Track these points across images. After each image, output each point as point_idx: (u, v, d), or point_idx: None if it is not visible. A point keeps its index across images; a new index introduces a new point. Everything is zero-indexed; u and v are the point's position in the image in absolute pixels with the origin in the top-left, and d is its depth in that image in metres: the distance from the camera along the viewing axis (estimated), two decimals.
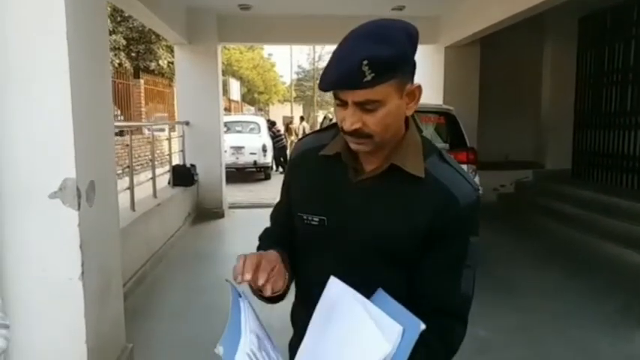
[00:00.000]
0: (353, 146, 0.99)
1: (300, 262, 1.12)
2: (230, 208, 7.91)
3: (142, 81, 14.04)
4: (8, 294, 2.16)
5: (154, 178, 5.66)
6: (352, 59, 0.87)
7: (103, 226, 2.61)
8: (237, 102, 24.62)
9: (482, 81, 7.51)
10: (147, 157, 9.32)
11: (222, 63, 8.47)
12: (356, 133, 0.95)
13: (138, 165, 8.94)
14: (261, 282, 0.91)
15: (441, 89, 7.36)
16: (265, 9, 6.87)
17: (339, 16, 6.30)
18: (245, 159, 12.15)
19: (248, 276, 0.90)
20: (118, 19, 13.98)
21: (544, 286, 4.38)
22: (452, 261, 1.00)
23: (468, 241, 1.00)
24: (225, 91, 19.48)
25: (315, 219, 1.06)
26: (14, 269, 2.22)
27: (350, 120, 0.94)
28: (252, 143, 12.32)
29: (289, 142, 15.81)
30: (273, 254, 1.00)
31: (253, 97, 30.99)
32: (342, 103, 0.95)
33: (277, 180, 11.09)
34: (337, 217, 1.04)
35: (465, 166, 4.73)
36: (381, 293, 0.94)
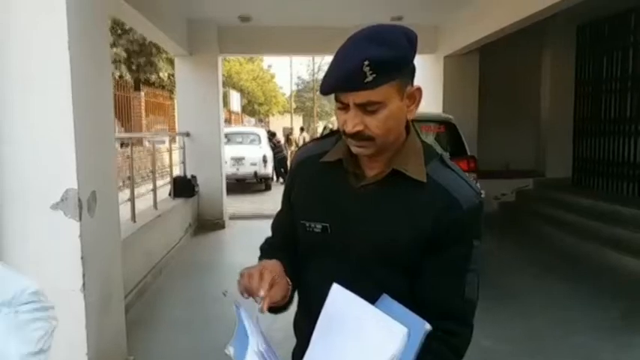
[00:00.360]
0: (354, 149, 0.99)
1: (302, 269, 1.11)
2: (231, 219, 7.90)
3: (142, 93, 14.11)
4: None
5: (154, 190, 5.66)
6: (353, 60, 0.88)
7: (104, 237, 2.61)
8: (237, 113, 24.71)
9: (481, 90, 7.54)
10: (147, 169, 9.33)
11: (223, 75, 8.51)
12: (358, 136, 0.95)
13: (139, 177, 8.95)
14: (262, 293, 0.92)
15: (440, 98, 7.39)
16: (265, 20, 6.93)
17: (338, 27, 6.33)
18: (245, 170, 12.16)
19: (259, 293, 0.92)
20: (119, 32, 14.09)
21: (547, 293, 4.36)
22: (455, 265, 1.00)
23: (471, 245, 1.00)
24: (226, 103, 19.56)
25: (317, 226, 1.05)
26: None
27: (352, 122, 0.94)
28: (253, 154, 12.33)
29: (289, 152, 15.83)
30: (274, 264, 1.00)
31: (253, 108, 31.10)
32: (343, 106, 0.95)
33: (278, 191, 11.08)
34: (340, 223, 1.03)
35: None
36: (385, 298, 0.94)
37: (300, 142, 17.05)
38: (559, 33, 7.80)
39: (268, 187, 12.80)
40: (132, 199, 4.64)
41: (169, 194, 6.61)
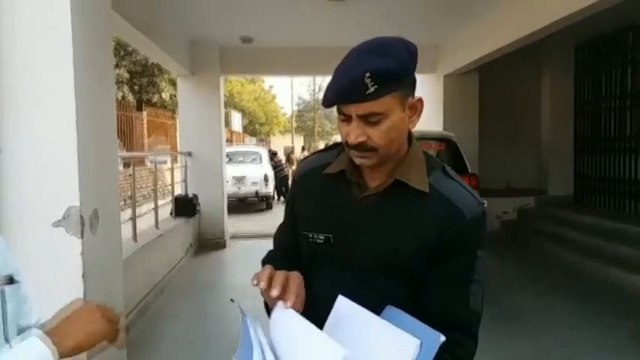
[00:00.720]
0: (357, 160, 0.99)
1: (306, 281, 1.11)
2: (232, 238, 7.88)
3: (144, 113, 14.22)
4: None
5: (156, 209, 5.66)
6: (355, 72, 0.89)
7: (105, 255, 2.60)
8: (238, 133, 24.85)
9: (481, 108, 7.59)
10: (149, 189, 9.34)
11: (224, 95, 8.59)
12: (361, 147, 0.96)
13: (140, 197, 8.95)
14: (290, 303, 0.91)
15: (440, 117, 7.44)
16: (266, 42, 7.02)
17: (338, 47, 6.40)
18: (247, 189, 12.15)
19: (276, 292, 0.90)
20: (122, 53, 14.27)
21: (551, 312, 4.31)
22: (460, 276, 0.99)
23: (475, 255, 1.00)
24: (227, 123, 19.68)
25: (320, 237, 1.05)
26: None
27: (354, 133, 0.94)
28: (254, 173, 12.34)
29: (290, 171, 15.87)
30: (298, 274, 0.98)
31: (254, 128, 31.28)
32: (345, 118, 0.96)
33: (279, 210, 11.06)
34: (343, 234, 1.03)
35: None
36: (391, 309, 0.93)
37: None
38: (557, 52, 7.90)
39: (269, 207, 12.77)
40: (133, 219, 4.64)
41: (170, 213, 6.61)
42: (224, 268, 6.59)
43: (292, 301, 0.91)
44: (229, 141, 19.33)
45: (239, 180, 12.02)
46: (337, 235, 1.04)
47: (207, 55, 7.15)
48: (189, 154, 7.25)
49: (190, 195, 7.07)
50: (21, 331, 0.96)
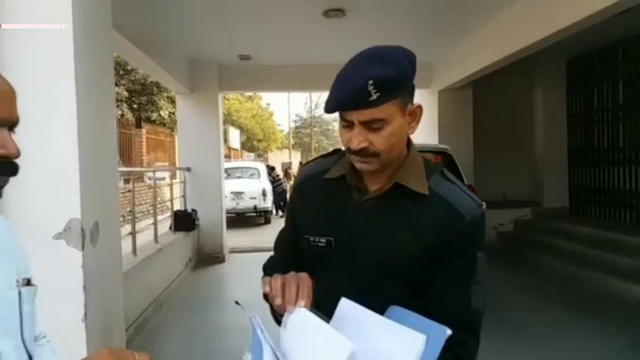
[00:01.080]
0: (359, 166, 1.02)
1: None
2: (231, 252, 7.89)
3: (143, 130, 14.29)
4: None
5: (155, 224, 5.70)
6: (358, 80, 0.92)
7: (106, 268, 2.62)
8: (236, 149, 24.93)
9: (476, 122, 7.67)
10: (148, 204, 9.37)
11: (223, 112, 8.68)
12: (363, 152, 0.98)
13: (139, 213, 8.97)
14: (303, 304, 0.91)
15: (435, 131, 7.52)
16: (264, 59, 7.13)
17: (335, 64, 6.49)
18: (245, 204, 12.18)
19: (279, 300, 0.91)
20: (121, 72, 14.39)
21: (552, 324, 4.31)
22: (460, 277, 1.01)
23: (475, 256, 1.02)
24: (226, 140, 19.75)
25: (321, 240, 1.07)
26: None
27: (357, 139, 0.97)
28: (252, 188, 12.38)
29: (288, 186, 15.90)
30: (307, 276, 0.97)
31: (252, 144, 31.38)
32: (347, 124, 0.99)
33: (278, 224, 11.06)
34: (344, 237, 1.05)
35: None
36: (395, 309, 0.94)
37: None
38: (549, 67, 8.01)
39: (268, 221, 12.78)
40: (133, 233, 4.67)
41: (170, 228, 6.64)
42: (223, 282, 6.60)
43: (305, 303, 0.91)
44: (228, 157, 19.39)
45: (238, 195, 12.05)
46: (338, 238, 1.05)
47: (206, 73, 7.25)
48: (188, 169, 7.31)
49: (189, 210, 7.11)
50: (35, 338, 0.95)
